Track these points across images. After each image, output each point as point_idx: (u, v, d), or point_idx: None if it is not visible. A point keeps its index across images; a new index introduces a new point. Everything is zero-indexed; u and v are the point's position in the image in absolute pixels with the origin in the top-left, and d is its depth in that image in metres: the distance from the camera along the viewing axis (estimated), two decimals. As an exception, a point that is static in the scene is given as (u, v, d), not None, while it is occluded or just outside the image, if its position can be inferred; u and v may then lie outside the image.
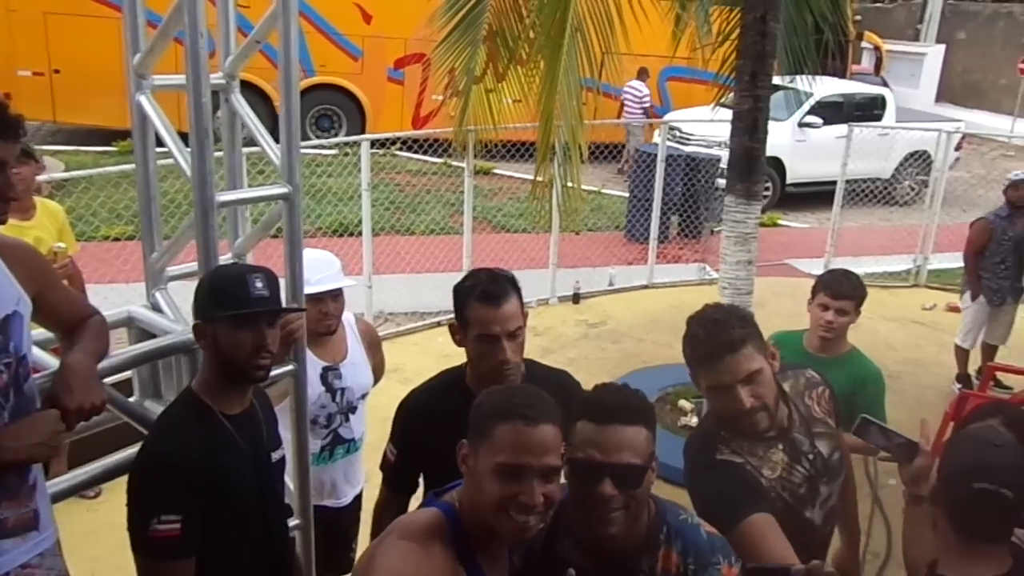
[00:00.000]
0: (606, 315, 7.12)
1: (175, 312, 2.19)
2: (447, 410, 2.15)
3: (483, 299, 2.08)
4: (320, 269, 2.69)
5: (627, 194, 9.67)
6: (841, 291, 3.06)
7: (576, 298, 7.36)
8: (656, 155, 7.86)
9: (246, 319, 1.82)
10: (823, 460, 2.15)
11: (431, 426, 2.18)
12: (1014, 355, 6.13)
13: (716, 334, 1.95)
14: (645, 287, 7.81)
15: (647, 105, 12.24)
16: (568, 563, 1.62)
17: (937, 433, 4.73)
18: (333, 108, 12.41)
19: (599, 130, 9.64)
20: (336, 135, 12.14)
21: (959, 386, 5.85)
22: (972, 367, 6.02)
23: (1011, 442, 1.80)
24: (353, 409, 2.93)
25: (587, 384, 5.97)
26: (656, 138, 9.15)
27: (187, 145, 1.95)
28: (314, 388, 2.72)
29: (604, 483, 1.53)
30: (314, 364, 2.70)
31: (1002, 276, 5.72)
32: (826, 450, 2.17)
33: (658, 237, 7.93)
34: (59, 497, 1.93)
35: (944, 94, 21.05)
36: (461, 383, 2.22)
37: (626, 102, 12.33)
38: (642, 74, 12.03)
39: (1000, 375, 5.78)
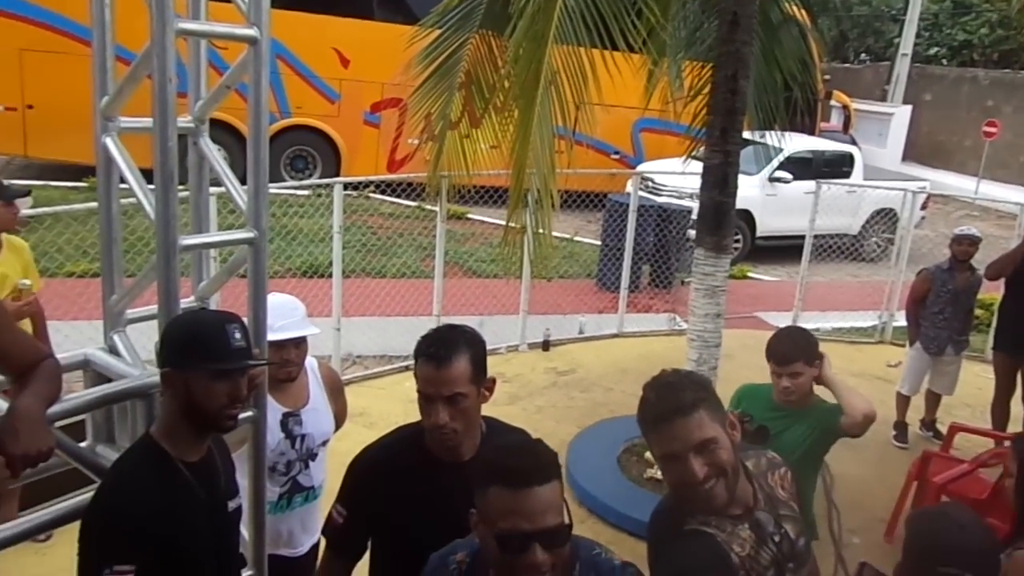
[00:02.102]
0: (575, 363, 7.11)
1: (133, 356, 2.15)
2: (401, 470, 2.11)
3: (427, 357, 2.02)
4: (284, 315, 2.66)
5: (599, 242, 9.75)
6: (786, 357, 3.03)
7: (546, 345, 7.35)
8: (628, 205, 7.95)
9: (224, 371, 1.79)
10: (790, 544, 1.99)
11: (384, 485, 2.12)
12: (976, 414, 6.21)
13: (666, 397, 1.81)
14: (615, 336, 7.83)
15: None
16: None
17: (901, 492, 4.76)
18: (308, 149, 12.45)
19: (572, 178, 9.76)
20: (310, 176, 12.16)
21: (894, 432, 5.97)
22: (916, 414, 6.15)
23: (975, 522, 1.77)
24: (313, 456, 2.88)
25: (556, 434, 5.91)
26: (629, 188, 9.24)
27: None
28: (273, 435, 2.67)
29: (533, 551, 1.50)
30: (274, 410, 2.66)
31: (940, 326, 5.86)
32: (793, 534, 2.01)
33: (629, 286, 7.98)
34: (8, 543, 1.86)
35: (910, 153, 21.60)
36: (418, 441, 2.13)
37: None
38: None
39: (939, 426, 5.89)
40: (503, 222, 5.11)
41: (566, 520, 1.54)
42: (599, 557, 1.66)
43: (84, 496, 1.93)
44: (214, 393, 1.79)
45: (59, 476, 2.04)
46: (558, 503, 1.54)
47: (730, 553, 1.87)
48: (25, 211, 5.11)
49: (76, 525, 1.85)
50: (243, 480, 2.23)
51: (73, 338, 4.82)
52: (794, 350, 3.04)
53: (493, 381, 2.14)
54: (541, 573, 1.52)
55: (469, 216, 11.22)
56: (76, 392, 2.01)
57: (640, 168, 11.24)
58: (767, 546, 1.94)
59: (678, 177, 9.90)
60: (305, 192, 9.04)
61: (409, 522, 2.08)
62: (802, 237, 8.27)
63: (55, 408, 1.82)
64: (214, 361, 1.78)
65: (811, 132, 13.25)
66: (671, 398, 1.80)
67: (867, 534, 4.60)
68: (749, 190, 10.31)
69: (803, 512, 2.17)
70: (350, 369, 6.48)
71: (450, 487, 2.07)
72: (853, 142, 14.73)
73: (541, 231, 4.89)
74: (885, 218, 11.82)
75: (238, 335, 1.82)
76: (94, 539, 1.76)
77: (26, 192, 4.14)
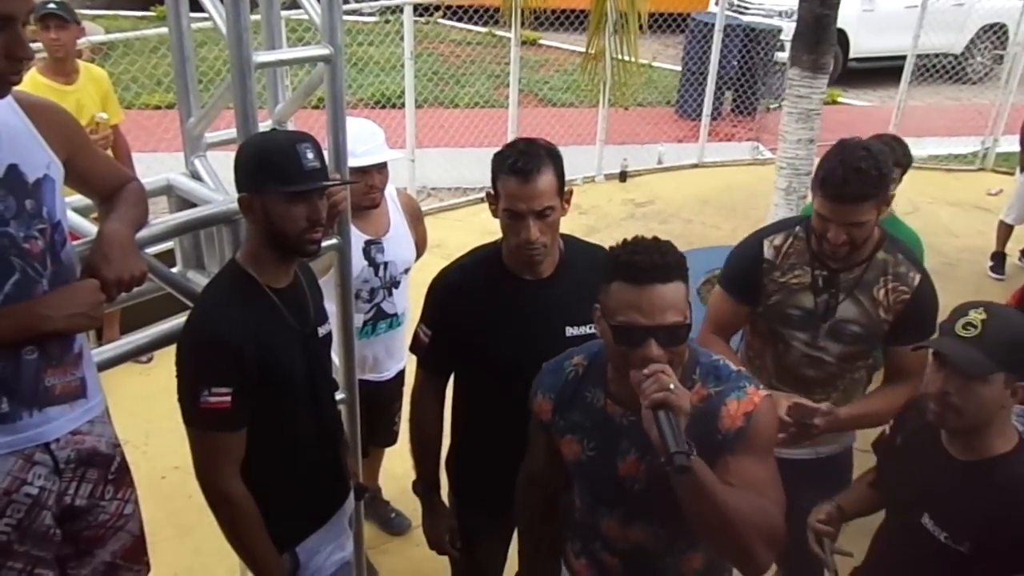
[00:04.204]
0: (654, 194, 6.93)
1: (215, 180, 2.12)
2: (482, 288, 2.12)
3: (513, 172, 1.95)
4: (364, 141, 2.59)
5: (679, 67, 9.26)
6: None
7: (623, 176, 7.16)
8: (713, 25, 7.43)
9: (299, 192, 1.73)
10: (833, 315, 2.18)
11: (465, 305, 2.12)
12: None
13: (850, 182, 2.00)
14: (695, 166, 7.57)
15: None
16: (595, 410, 1.69)
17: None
18: (373, -29, 11.89)
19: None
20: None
21: (991, 263, 5.73)
22: (1016, 245, 5.87)
23: None
24: (396, 284, 2.89)
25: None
26: (713, 7, 8.60)
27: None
28: (357, 262, 2.66)
29: (649, 345, 1.49)
30: (356, 238, 2.63)
31: None
32: (848, 315, 2.18)
33: (711, 114, 7.61)
34: (111, 363, 1.92)
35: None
36: (496, 260, 2.13)
37: None
38: None
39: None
40: (578, 48, 4.83)
41: (687, 320, 1.53)
42: (719, 363, 1.66)
43: (180, 320, 1.95)
44: (292, 216, 1.73)
45: (157, 301, 2.06)
46: (680, 303, 1.52)
47: (764, 277, 2.21)
48: (96, 38, 5.05)
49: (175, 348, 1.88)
50: (330, 307, 2.23)
51: (155, 168, 4.84)
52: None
53: (571, 192, 2.09)
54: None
55: (542, 42, 10.73)
56: (162, 218, 1.99)
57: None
58: (813, 296, 2.19)
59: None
60: (372, 18, 8.72)
61: (490, 340, 2.10)
62: (899, 58, 7.66)
63: (143, 233, 1.80)
64: (287, 182, 1.71)
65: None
66: (852, 185, 2.01)
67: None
68: (844, 7, 9.49)
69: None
70: (425, 201, 6.45)
71: (531, 303, 2.08)
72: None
73: (625, 57, 4.61)
74: (994, 35, 10.85)
75: (311, 155, 1.73)
76: (191, 363, 1.77)
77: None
